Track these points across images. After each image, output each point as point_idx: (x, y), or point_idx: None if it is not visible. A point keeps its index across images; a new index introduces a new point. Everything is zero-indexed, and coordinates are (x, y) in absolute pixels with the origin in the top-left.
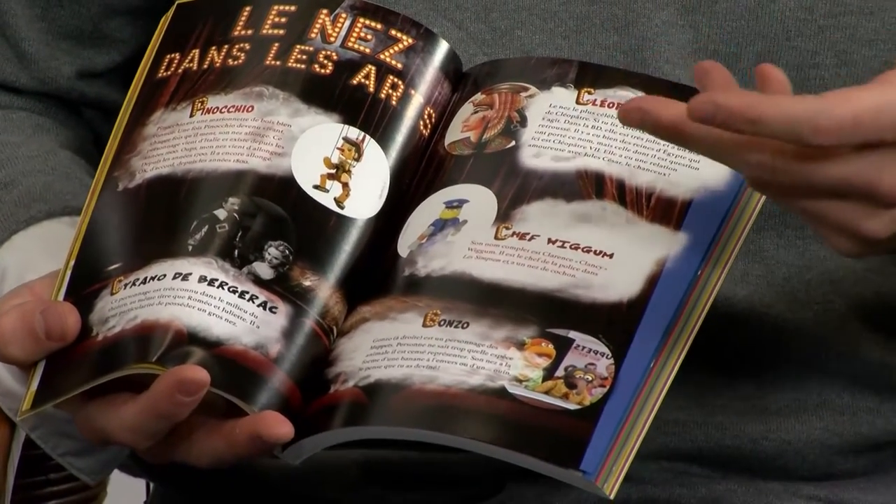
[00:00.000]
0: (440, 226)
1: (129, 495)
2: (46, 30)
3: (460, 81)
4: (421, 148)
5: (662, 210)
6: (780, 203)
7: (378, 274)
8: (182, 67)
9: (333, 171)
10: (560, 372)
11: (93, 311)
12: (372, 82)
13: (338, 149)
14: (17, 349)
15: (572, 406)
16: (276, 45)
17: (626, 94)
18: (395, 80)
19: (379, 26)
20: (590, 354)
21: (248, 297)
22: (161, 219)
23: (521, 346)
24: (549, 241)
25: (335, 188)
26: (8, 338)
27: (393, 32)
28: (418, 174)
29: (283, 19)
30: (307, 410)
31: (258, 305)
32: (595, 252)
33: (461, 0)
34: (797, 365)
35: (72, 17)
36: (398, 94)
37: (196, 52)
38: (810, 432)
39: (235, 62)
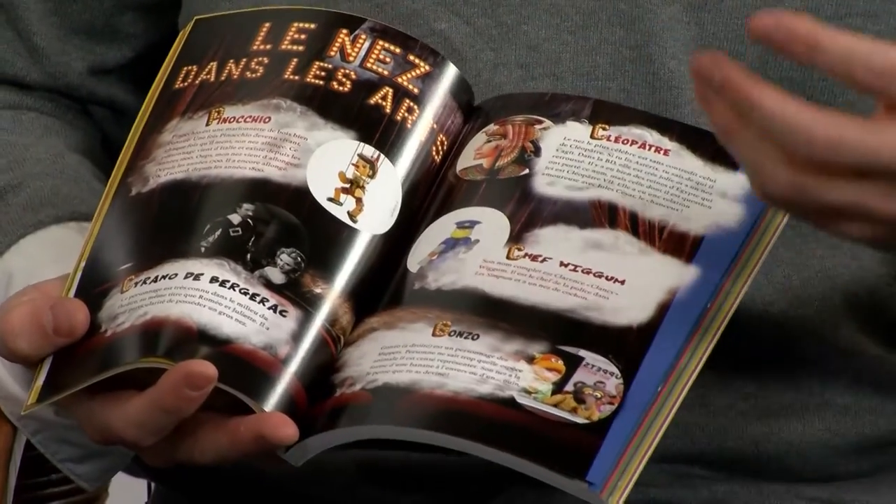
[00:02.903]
0: (451, 244)
1: (130, 496)
2: (59, 24)
3: (472, 114)
4: (432, 173)
5: (675, 243)
6: (799, 203)
7: (387, 289)
8: (199, 79)
9: (348, 185)
10: (569, 387)
11: (102, 309)
12: (389, 104)
13: (353, 164)
14: (25, 343)
15: (581, 420)
16: (295, 60)
17: (640, 133)
18: (411, 104)
19: (398, 50)
20: (599, 373)
21: (258, 299)
22: (174, 221)
23: (530, 359)
24: (562, 264)
25: (349, 202)
26: (17, 332)
27: (411, 58)
28: (429, 197)
29: (303, 36)
30: (312, 412)
31: (268, 308)
32: (607, 277)
33: None
34: (798, 363)
35: (84, 12)
36: (413, 117)
37: (214, 64)
38: (812, 433)
39: (253, 75)
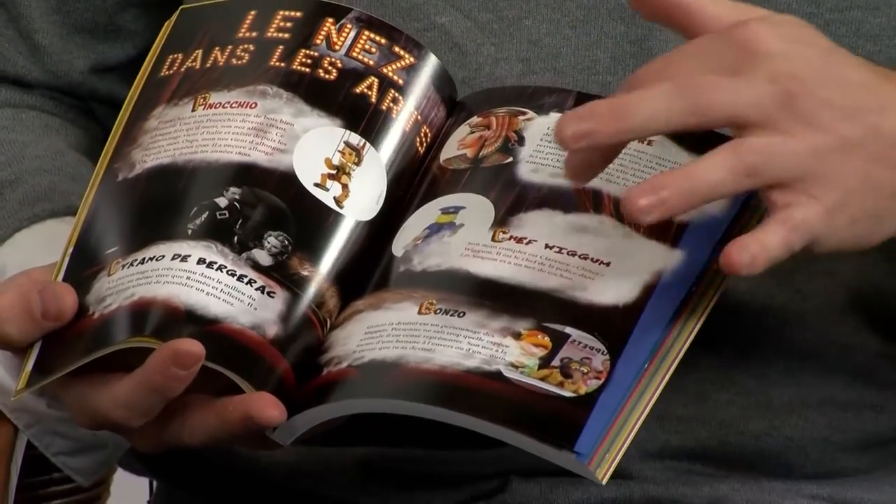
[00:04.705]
0: (436, 229)
1: (132, 494)
2: (61, 23)
3: (455, 108)
4: (416, 164)
5: (659, 228)
6: None
7: (373, 274)
8: (185, 66)
9: (334, 171)
10: (556, 362)
11: (90, 292)
12: (374, 93)
13: (339, 151)
14: (14, 328)
15: (567, 393)
16: (281, 47)
17: None
18: (396, 94)
19: (383, 41)
20: (586, 349)
21: (246, 280)
22: (160, 205)
23: (517, 336)
24: (547, 246)
25: (335, 188)
26: (4, 316)
27: (396, 49)
28: (413, 187)
29: (289, 24)
30: (300, 392)
31: (256, 289)
32: (592, 259)
33: None
34: (800, 358)
35: (87, 10)
36: (398, 108)
37: (199, 51)
38: (813, 429)
39: (239, 62)
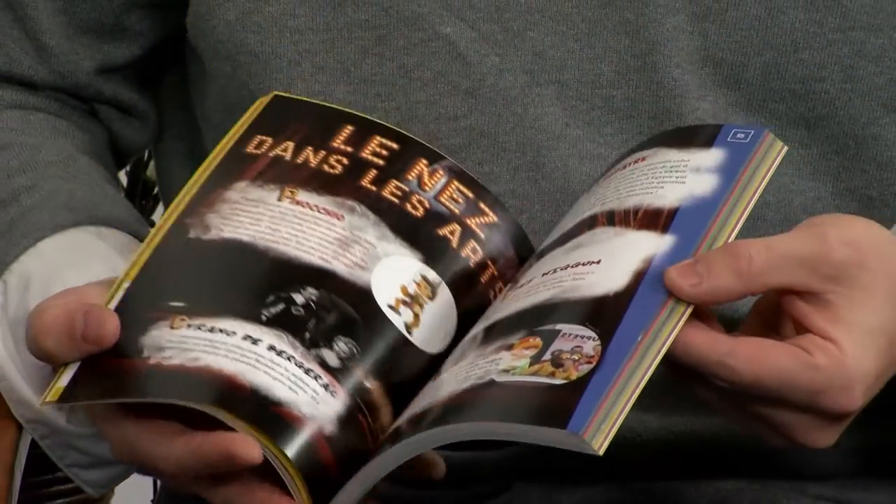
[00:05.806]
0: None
1: (136, 494)
2: (68, 23)
3: None
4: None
5: (649, 220)
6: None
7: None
8: (273, 152)
9: (408, 299)
10: (547, 356)
11: (146, 335)
12: (456, 239)
13: (415, 282)
14: (53, 343)
15: (559, 381)
16: (374, 172)
17: (621, 163)
18: (476, 246)
19: (470, 195)
20: (576, 339)
21: (312, 374)
22: (236, 280)
23: (509, 347)
24: (543, 274)
25: (407, 314)
26: (47, 329)
27: (481, 206)
28: None
29: (384, 152)
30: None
31: (321, 385)
32: (583, 264)
33: (474, 0)
34: None
35: (93, 10)
36: (477, 258)
37: (291, 144)
38: None
39: (332, 170)
